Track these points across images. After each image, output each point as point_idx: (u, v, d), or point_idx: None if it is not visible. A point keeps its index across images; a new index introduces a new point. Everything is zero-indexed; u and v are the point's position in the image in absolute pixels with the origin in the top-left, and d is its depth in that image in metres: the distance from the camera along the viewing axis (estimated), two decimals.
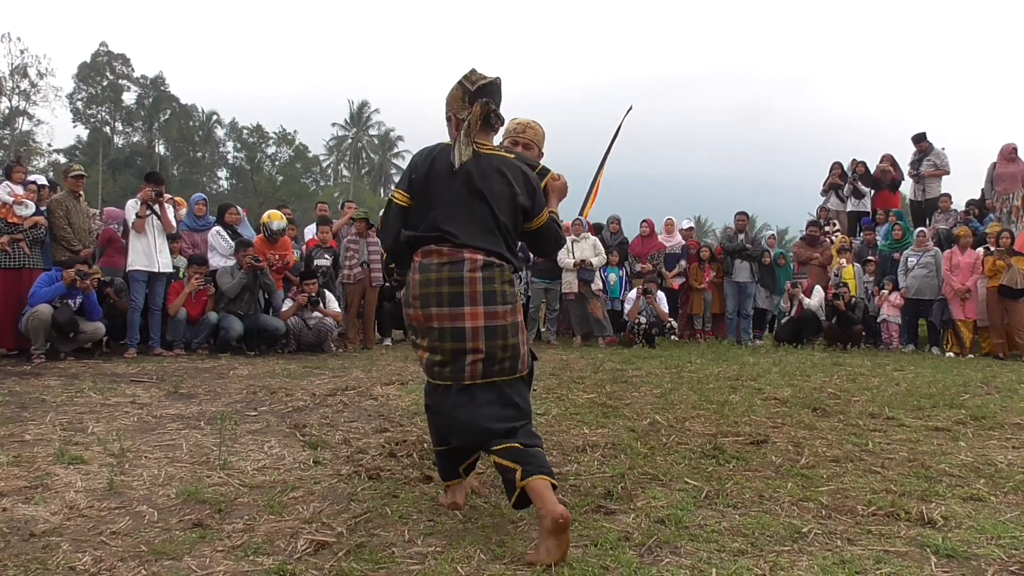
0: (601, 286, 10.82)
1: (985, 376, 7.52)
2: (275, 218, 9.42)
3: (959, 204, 12.31)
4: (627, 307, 10.69)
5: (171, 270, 8.58)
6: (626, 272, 11.48)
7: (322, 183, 64.55)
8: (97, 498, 3.10)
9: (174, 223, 8.73)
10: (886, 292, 10.79)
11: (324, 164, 66.73)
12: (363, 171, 66.38)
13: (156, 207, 8.36)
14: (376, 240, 9.98)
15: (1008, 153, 11.86)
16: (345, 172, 66.52)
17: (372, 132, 66.09)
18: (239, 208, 9.92)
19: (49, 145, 51.35)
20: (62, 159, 49.19)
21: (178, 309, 8.42)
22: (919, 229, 11.14)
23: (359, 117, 65.09)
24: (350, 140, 65.45)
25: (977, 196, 12.42)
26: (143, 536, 2.69)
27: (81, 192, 8.68)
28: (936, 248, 10.69)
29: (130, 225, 8.31)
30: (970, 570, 2.49)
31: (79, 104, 55.94)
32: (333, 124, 65.80)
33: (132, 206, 8.40)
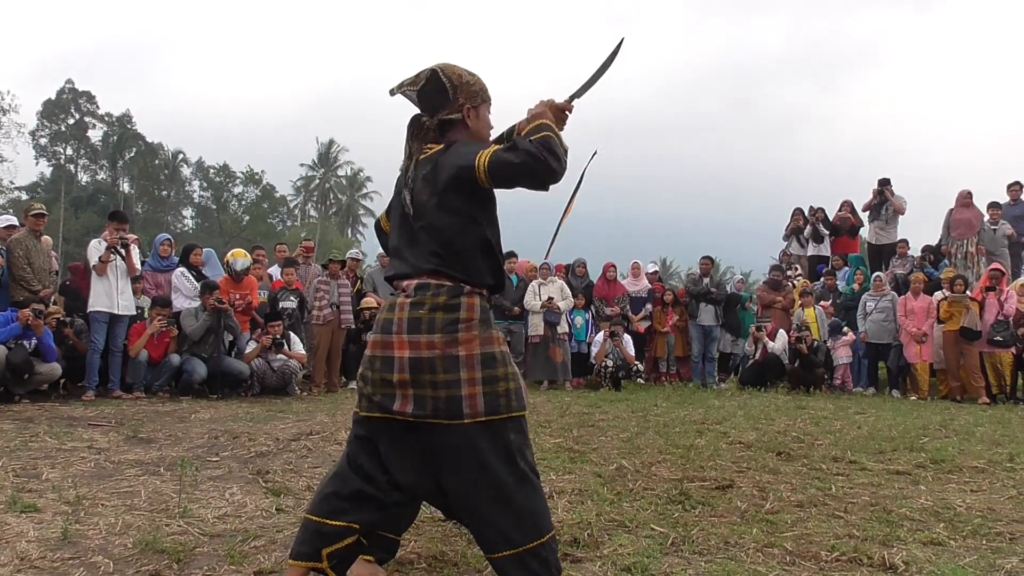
0: (567, 329, 10.86)
1: (943, 419, 7.66)
2: (239, 256, 9.35)
3: (915, 250, 12.65)
4: (594, 350, 10.73)
5: (133, 312, 8.44)
6: (592, 315, 11.55)
7: (289, 223, 64.26)
8: (50, 548, 3.01)
9: (139, 266, 8.63)
10: (841, 339, 11.01)
11: (291, 204, 66.51)
12: (331, 212, 66.24)
13: (123, 251, 8.25)
14: (346, 282, 9.94)
15: (963, 199, 12.26)
16: (313, 212, 66.32)
17: (340, 173, 66.16)
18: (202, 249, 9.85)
19: (11, 183, 50.54)
20: (24, 196, 48.39)
21: (139, 351, 8.27)
22: (876, 274, 11.41)
23: (327, 157, 65.13)
24: (318, 180, 65.37)
25: (934, 241, 12.78)
26: None
27: (42, 232, 8.56)
28: (893, 293, 10.96)
29: (91, 267, 8.19)
30: None
31: (43, 141, 55.33)
32: (301, 164, 65.83)
33: (95, 247, 8.26)
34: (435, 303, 2.37)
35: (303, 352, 9.23)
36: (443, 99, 2.49)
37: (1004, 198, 12.45)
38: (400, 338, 2.37)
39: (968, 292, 10.18)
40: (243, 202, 63.51)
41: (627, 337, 10.79)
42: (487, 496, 2.35)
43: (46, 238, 8.71)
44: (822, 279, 12.38)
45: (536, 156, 2.29)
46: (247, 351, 8.84)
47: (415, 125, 2.50)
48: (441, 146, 2.49)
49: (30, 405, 7.25)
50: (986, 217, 12.01)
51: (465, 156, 2.39)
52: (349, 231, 64.36)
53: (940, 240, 12.53)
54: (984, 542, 3.35)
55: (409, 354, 2.35)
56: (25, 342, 7.48)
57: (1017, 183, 12.49)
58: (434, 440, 2.38)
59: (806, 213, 13.54)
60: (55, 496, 3.79)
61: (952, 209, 12.40)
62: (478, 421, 2.34)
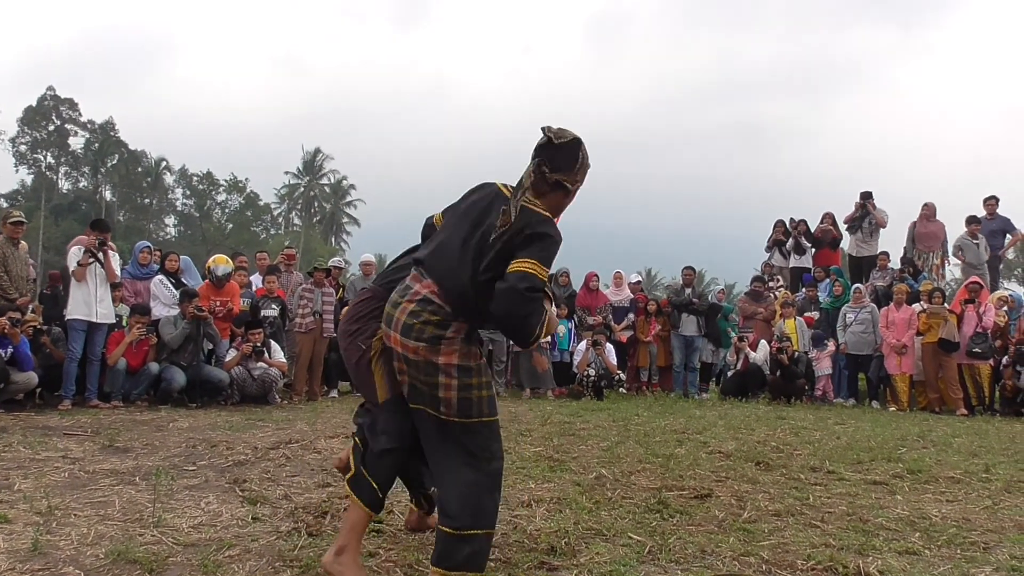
0: (549, 339, 10.86)
1: (922, 430, 7.72)
2: (220, 262, 9.29)
3: (895, 262, 12.77)
4: (576, 359, 10.74)
5: (112, 320, 8.34)
6: (575, 324, 11.56)
7: (272, 231, 64.00)
8: (20, 559, 2.96)
9: (118, 272, 8.55)
10: (824, 350, 11.08)
11: (275, 212, 66.20)
12: (315, 220, 66.00)
13: (100, 255, 8.17)
14: (330, 291, 9.90)
15: (927, 211, 12.45)
16: (297, 220, 66.07)
17: (324, 181, 65.94)
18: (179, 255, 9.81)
19: None
20: (3, 203, 48.00)
21: (117, 359, 8.18)
22: (855, 286, 11.51)
23: (312, 165, 64.93)
24: (302, 189, 65.13)
25: (899, 252, 12.96)
26: None
27: (20, 239, 8.46)
28: (872, 304, 11.04)
29: (70, 272, 8.10)
30: None
31: (23, 147, 54.88)
32: (286, 172, 65.60)
33: (75, 253, 8.17)
34: (429, 319, 2.58)
35: (283, 360, 9.17)
36: (568, 165, 2.63)
37: (981, 212, 12.62)
38: (394, 335, 2.63)
39: (946, 304, 10.29)
40: (226, 210, 63.19)
41: (609, 346, 10.81)
42: (449, 477, 2.60)
43: (23, 244, 8.61)
44: (803, 290, 12.46)
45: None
46: (227, 359, 8.77)
47: (539, 172, 2.59)
48: (540, 206, 2.57)
49: (5, 414, 7.14)
50: (964, 231, 12.19)
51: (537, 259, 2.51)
52: (333, 239, 64.15)
53: (905, 251, 12.71)
54: (959, 551, 3.37)
55: (400, 350, 2.62)
56: (1, 351, 7.38)
57: (993, 197, 12.68)
58: (423, 420, 2.66)
59: (788, 225, 13.64)
60: (27, 507, 3.73)
61: (915, 222, 12.60)
62: (453, 420, 2.59)
